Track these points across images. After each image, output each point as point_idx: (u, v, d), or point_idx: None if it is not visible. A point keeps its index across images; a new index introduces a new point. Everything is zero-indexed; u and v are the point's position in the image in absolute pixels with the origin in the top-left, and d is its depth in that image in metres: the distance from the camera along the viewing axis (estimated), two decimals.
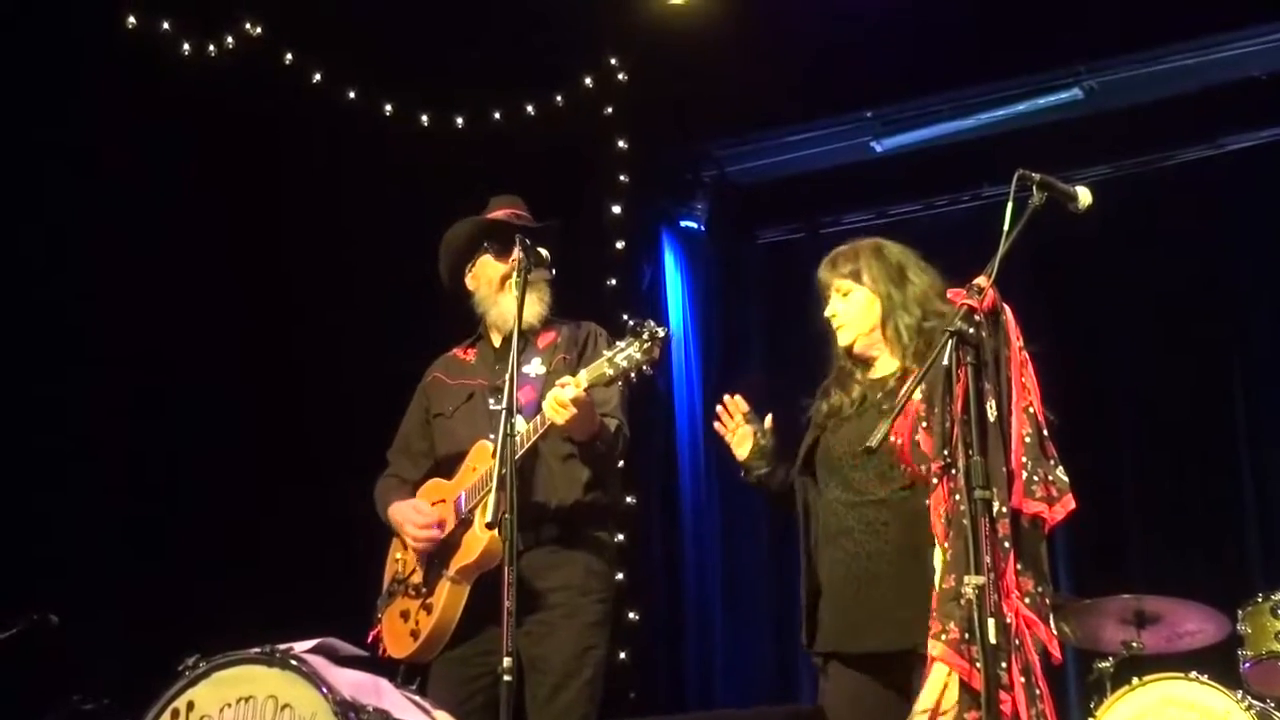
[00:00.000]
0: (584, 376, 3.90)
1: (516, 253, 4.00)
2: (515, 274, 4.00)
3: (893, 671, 3.78)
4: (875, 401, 3.94)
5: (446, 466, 4.30)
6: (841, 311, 4.02)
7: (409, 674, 4.12)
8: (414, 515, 4.19)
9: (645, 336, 3.77)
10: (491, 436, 3.99)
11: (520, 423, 4.03)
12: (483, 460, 4.10)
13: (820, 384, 4.12)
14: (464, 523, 4.10)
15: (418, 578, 4.20)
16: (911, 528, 3.68)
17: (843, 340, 4.02)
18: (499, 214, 4.45)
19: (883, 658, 3.78)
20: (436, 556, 4.16)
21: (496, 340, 4.39)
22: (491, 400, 4.20)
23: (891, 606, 3.74)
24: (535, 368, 4.28)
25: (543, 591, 4.10)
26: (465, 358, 4.48)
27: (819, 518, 3.96)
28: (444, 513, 4.19)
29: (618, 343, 3.86)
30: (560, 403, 3.89)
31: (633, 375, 3.83)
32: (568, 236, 4.50)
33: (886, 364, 4.01)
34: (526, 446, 4.00)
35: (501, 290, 4.30)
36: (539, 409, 4.05)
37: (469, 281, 4.45)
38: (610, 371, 3.82)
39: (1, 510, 5.71)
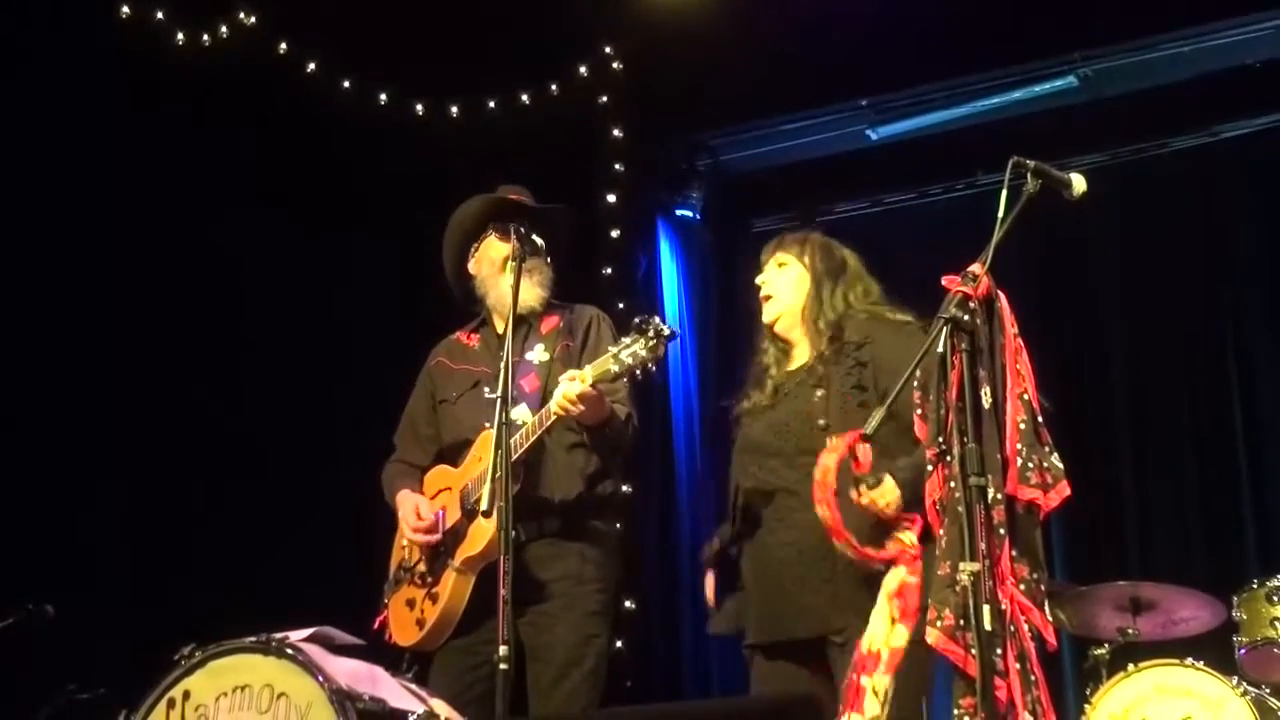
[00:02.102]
0: (589, 372, 3.89)
1: (514, 239, 4.03)
2: (510, 260, 4.02)
3: (812, 660, 3.82)
4: (791, 392, 3.97)
5: (452, 453, 4.30)
6: (772, 281, 4.04)
7: (413, 661, 4.12)
8: (412, 518, 4.19)
9: (651, 334, 3.77)
10: (488, 425, 3.98)
11: (525, 412, 4.04)
12: (489, 449, 4.03)
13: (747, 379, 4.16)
14: (469, 513, 4.09)
15: (424, 566, 4.20)
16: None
17: (767, 314, 4.04)
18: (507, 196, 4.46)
19: (799, 645, 3.82)
20: (442, 546, 4.15)
21: (500, 325, 4.35)
22: (487, 390, 4.19)
23: (797, 594, 3.80)
24: (538, 354, 4.27)
25: (544, 582, 4.10)
26: (469, 343, 4.45)
27: (741, 513, 4.02)
28: (448, 501, 4.19)
29: (623, 339, 3.85)
30: (569, 399, 3.89)
31: (638, 372, 3.83)
32: (574, 221, 4.50)
33: (801, 352, 4.05)
34: (532, 440, 3.99)
35: (503, 272, 4.25)
36: (543, 397, 4.05)
37: (472, 265, 4.42)
38: (615, 368, 3.81)
39: None
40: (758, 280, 4.10)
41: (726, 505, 4.13)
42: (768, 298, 4.07)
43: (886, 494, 3.63)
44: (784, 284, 4.04)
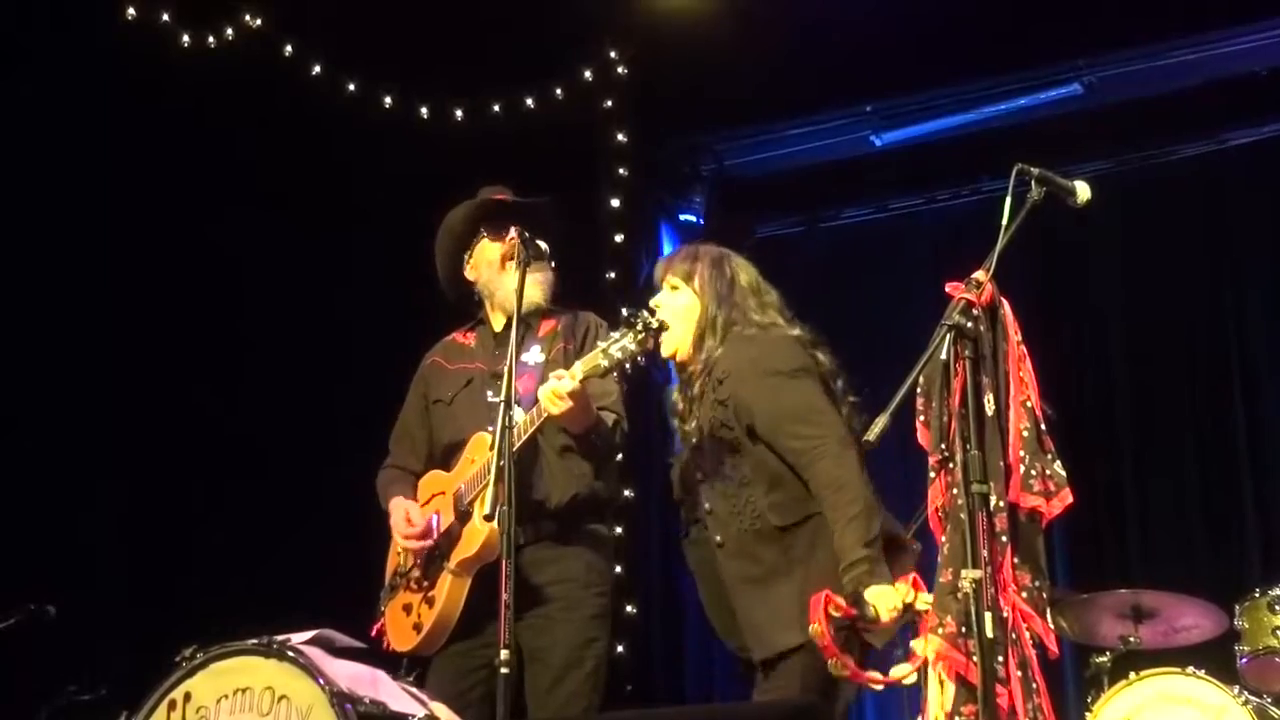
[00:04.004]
0: (579, 368, 3.88)
1: (513, 231, 4.04)
2: (514, 258, 4.01)
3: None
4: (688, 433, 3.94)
5: (446, 455, 4.28)
6: (666, 306, 3.90)
7: (412, 665, 4.11)
8: (403, 525, 4.17)
9: (639, 327, 3.76)
10: (490, 428, 3.96)
11: (519, 413, 4.02)
12: (481, 452, 4.07)
13: None
14: (463, 515, 4.08)
15: (419, 571, 4.18)
16: (726, 525, 3.77)
17: (664, 349, 3.91)
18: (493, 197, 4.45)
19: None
20: (437, 549, 4.14)
21: (498, 324, 4.35)
22: (490, 393, 4.17)
23: (731, 614, 3.79)
24: (534, 355, 4.26)
25: (542, 585, 4.09)
26: (464, 342, 4.44)
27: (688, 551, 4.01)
28: (441, 505, 4.18)
29: (612, 333, 3.84)
30: (557, 394, 3.88)
31: (628, 366, 3.82)
32: (565, 228, 4.49)
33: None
34: (524, 439, 3.97)
35: (503, 270, 4.26)
36: (537, 399, 4.04)
37: (468, 271, 4.41)
38: (605, 363, 3.80)
39: None
40: (651, 303, 3.93)
41: None
42: (664, 326, 3.90)
43: (884, 599, 3.44)
44: (676, 312, 3.90)
